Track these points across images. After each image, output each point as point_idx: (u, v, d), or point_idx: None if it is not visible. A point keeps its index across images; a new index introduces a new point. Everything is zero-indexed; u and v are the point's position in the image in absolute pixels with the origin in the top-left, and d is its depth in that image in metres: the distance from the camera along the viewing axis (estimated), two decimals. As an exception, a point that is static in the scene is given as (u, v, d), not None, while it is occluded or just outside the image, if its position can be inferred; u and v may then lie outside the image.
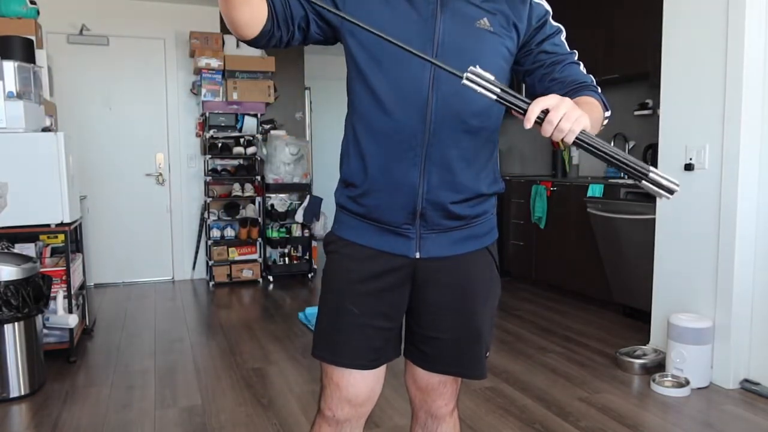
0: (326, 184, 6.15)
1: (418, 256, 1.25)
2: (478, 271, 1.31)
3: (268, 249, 5.53)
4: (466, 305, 1.29)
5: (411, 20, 1.16)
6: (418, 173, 1.19)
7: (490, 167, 1.27)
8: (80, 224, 3.66)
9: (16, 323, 2.70)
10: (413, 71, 1.15)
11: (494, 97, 0.96)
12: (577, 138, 0.96)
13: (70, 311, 3.16)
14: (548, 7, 1.28)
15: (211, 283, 5.22)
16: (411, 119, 1.17)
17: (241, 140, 5.29)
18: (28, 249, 3.22)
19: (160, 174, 5.43)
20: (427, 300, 1.29)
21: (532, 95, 1.13)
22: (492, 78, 0.96)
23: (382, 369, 1.32)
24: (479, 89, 0.96)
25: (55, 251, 3.43)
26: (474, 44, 1.17)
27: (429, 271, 1.27)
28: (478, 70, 0.95)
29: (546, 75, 1.24)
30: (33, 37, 3.48)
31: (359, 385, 1.29)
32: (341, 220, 1.32)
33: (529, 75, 1.27)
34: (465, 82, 0.95)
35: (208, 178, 5.21)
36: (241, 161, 5.36)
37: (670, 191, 1.06)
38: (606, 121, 1.20)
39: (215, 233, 5.26)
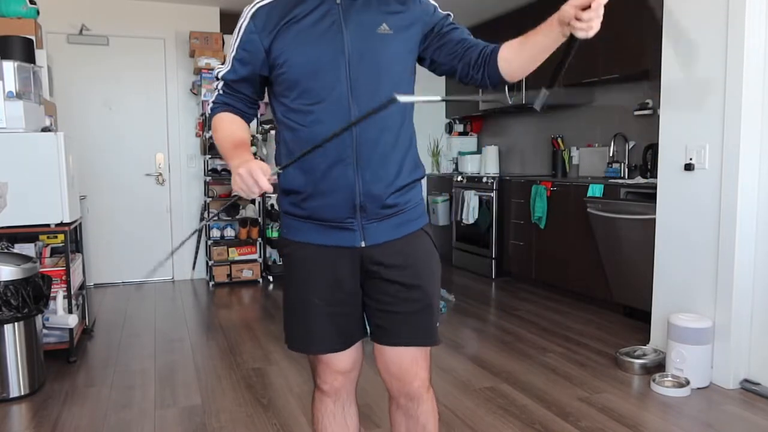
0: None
1: (363, 244, 1.40)
2: (418, 249, 1.46)
3: (268, 249, 5.53)
4: (414, 280, 1.43)
5: (320, 37, 1.33)
6: (353, 173, 1.35)
7: (411, 155, 1.44)
8: (80, 224, 3.66)
9: (16, 323, 2.70)
10: (332, 84, 1.32)
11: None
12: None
13: (70, 311, 3.16)
14: (435, 3, 1.46)
15: (211, 283, 5.22)
16: (341, 126, 1.30)
17: (241, 140, 5.28)
18: (28, 249, 3.22)
19: (160, 174, 5.43)
20: (380, 280, 1.43)
21: (447, 67, 1.44)
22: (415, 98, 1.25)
23: (358, 343, 1.50)
24: (419, 100, 1.23)
25: (54, 251, 3.43)
26: (379, 49, 1.35)
27: (376, 257, 1.41)
28: (403, 97, 1.13)
29: (452, 44, 1.42)
30: (33, 37, 3.48)
31: (344, 360, 1.47)
32: (288, 225, 1.46)
33: (439, 50, 1.44)
34: (401, 100, 1.13)
35: (208, 178, 5.21)
36: (241, 161, 5.35)
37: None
38: None
39: (215, 233, 5.26)
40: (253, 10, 1.37)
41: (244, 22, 1.38)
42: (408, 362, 1.46)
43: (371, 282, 1.44)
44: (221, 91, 1.45)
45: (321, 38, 1.32)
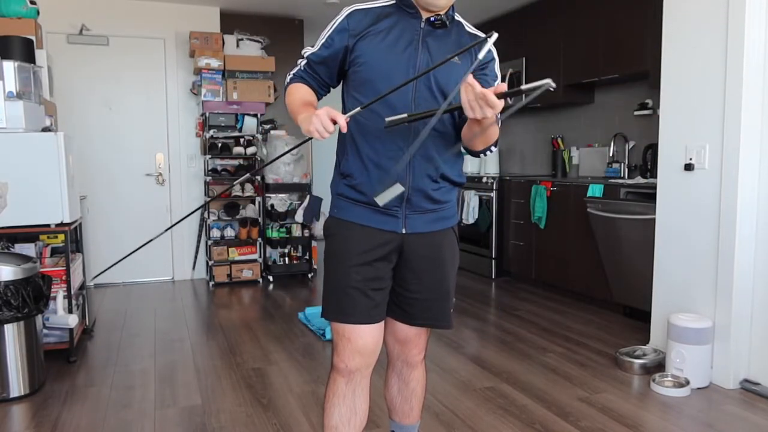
0: (326, 184, 6.14)
1: (404, 231, 1.61)
2: (446, 244, 1.68)
3: (268, 249, 5.53)
4: (440, 271, 1.66)
5: (400, 52, 1.55)
6: (405, 168, 1.55)
7: (458, 164, 1.67)
8: (80, 224, 3.66)
9: (16, 323, 2.70)
10: (401, 90, 1.49)
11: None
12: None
13: (70, 311, 3.16)
14: (495, 55, 1.68)
15: (211, 283, 5.22)
16: (400, 127, 1.51)
17: (241, 140, 5.29)
18: (28, 249, 3.22)
19: (160, 174, 5.43)
20: (410, 267, 1.64)
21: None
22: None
23: (382, 324, 1.66)
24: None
25: (55, 251, 3.43)
26: (444, 73, 1.55)
27: (412, 245, 1.62)
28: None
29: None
30: (33, 37, 3.48)
31: (367, 338, 1.60)
32: (340, 206, 1.66)
33: None
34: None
35: (208, 178, 5.21)
36: (241, 161, 5.36)
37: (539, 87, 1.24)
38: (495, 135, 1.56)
39: (215, 233, 5.26)
40: (350, 11, 1.61)
41: (340, 18, 1.61)
42: (414, 333, 1.72)
43: (404, 268, 1.64)
44: (302, 68, 1.67)
45: (400, 51, 1.55)
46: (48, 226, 3.10)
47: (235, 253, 5.25)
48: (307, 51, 1.66)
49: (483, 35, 1.60)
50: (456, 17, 1.64)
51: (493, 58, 1.68)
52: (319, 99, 1.68)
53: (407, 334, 1.72)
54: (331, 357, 1.66)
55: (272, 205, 5.38)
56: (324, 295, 1.65)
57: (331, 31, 1.61)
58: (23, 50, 3.33)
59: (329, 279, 1.64)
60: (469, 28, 1.67)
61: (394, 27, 1.57)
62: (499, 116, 1.57)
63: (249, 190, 5.33)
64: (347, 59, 1.60)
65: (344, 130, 1.42)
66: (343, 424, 1.65)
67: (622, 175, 4.54)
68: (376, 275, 1.60)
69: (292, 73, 1.69)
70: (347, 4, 1.61)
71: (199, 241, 5.53)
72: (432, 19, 1.56)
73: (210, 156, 5.17)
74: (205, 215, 5.29)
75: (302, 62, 1.66)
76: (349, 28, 1.58)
